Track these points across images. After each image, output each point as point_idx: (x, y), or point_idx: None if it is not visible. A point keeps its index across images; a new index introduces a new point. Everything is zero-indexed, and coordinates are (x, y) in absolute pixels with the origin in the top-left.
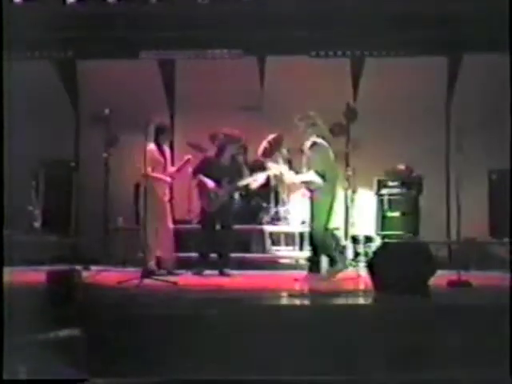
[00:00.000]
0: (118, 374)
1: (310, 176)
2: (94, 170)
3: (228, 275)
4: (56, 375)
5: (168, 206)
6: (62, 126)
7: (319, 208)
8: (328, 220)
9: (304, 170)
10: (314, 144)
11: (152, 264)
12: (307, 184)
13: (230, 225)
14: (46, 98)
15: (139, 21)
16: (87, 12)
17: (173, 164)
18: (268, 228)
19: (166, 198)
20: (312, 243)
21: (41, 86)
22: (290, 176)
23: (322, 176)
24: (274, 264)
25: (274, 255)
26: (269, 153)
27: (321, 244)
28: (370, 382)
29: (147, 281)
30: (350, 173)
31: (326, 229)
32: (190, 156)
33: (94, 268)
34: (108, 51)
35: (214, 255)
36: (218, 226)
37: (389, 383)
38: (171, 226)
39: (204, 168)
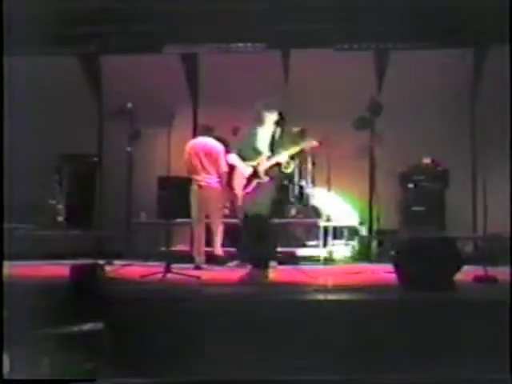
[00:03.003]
0: (138, 370)
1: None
2: (117, 165)
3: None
4: (60, 375)
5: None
6: (86, 120)
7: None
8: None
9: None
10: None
11: (201, 259)
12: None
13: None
14: (70, 93)
15: (162, 15)
16: (111, 6)
17: None
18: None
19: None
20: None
21: (65, 81)
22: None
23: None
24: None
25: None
26: None
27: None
28: (370, 382)
29: (170, 275)
30: None
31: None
32: None
33: (117, 262)
34: (131, 46)
35: None
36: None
37: (389, 383)
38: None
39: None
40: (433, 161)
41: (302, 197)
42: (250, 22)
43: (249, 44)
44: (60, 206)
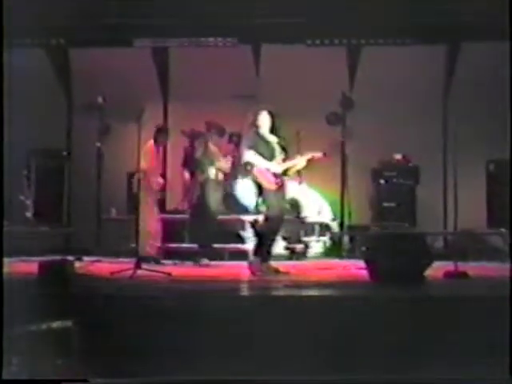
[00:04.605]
0: (113, 368)
1: (302, 160)
2: (86, 160)
3: (205, 265)
4: (56, 375)
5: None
6: (55, 114)
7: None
8: None
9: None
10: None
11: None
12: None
13: (209, 212)
14: (38, 87)
15: (133, 8)
16: None
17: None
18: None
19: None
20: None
21: (33, 74)
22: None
23: None
24: None
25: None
26: None
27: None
28: (370, 382)
29: (140, 271)
30: None
31: None
32: None
33: (86, 259)
34: (101, 39)
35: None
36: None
37: (389, 383)
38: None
39: (186, 162)
40: (404, 157)
41: None
42: (222, 17)
43: (220, 38)
44: (28, 202)
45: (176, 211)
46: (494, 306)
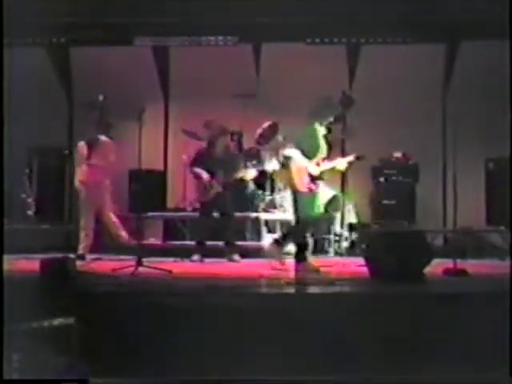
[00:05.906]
0: (113, 368)
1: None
2: None
3: (237, 261)
4: (56, 375)
5: None
6: (56, 113)
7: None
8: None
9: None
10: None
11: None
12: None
13: (228, 213)
14: (39, 85)
15: (133, 7)
16: None
17: None
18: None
19: None
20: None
21: (34, 73)
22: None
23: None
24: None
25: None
26: (264, 140)
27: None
28: (370, 382)
29: (141, 269)
30: None
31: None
32: None
33: (88, 256)
34: (102, 38)
35: (213, 243)
36: (216, 214)
37: (388, 383)
38: None
39: (199, 160)
40: (404, 154)
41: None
42: (222, 15)
43: (220, 37)
44: (30, 200)
45: (177, 209)
46: (494, 304)
